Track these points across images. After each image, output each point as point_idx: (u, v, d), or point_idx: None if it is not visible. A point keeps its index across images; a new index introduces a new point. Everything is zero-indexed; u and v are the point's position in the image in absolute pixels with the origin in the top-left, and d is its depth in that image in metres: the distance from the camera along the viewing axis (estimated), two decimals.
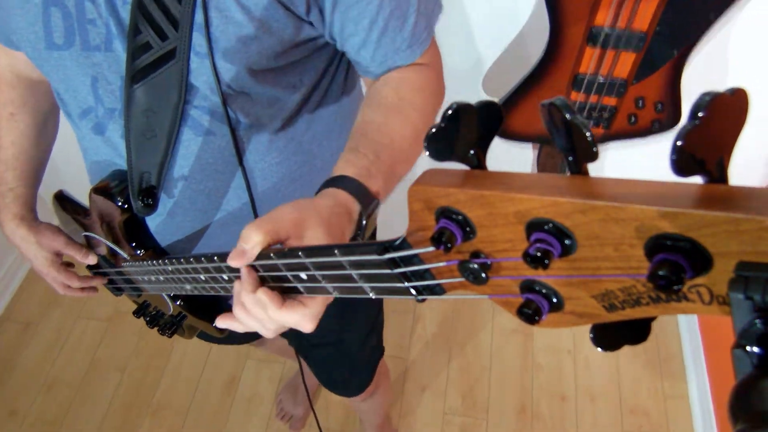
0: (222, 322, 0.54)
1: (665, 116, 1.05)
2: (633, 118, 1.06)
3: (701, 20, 0.91)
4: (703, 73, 1.10)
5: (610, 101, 1.03)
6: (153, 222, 0.75)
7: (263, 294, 0.46)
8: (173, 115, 0.61)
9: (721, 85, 1.14)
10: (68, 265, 0.85)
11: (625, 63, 0.97)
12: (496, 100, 1.13)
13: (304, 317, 0.47)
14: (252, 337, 1.18)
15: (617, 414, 1.63)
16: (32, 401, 1.75)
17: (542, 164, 1.24)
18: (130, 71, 0.59)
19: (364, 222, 0.51)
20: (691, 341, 1.70)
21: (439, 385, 1.71)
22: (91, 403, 1.74)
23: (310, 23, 0.61)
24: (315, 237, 0.47)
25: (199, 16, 0.56)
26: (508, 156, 1.37)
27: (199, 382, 1.76)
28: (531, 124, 1.11)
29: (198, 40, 0.58)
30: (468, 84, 1.23)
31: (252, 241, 0.45)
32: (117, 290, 0.91)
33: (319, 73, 0.69)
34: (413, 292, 0.37)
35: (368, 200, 0.52)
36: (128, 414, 1.71)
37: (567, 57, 0.99)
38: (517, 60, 1.15)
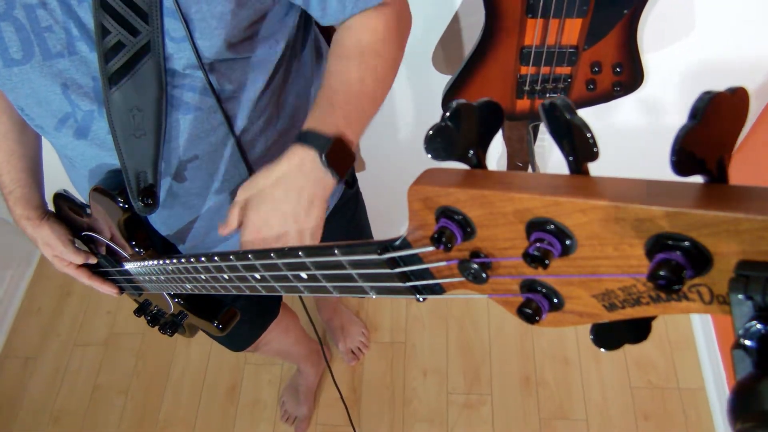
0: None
1: (626, 78, 1.00)
2: (591, 84, 1.00)
3: None
4: (664, 24, 1.06)
5: (564, 70, 0.97)
6: (157, 212, 0.76)
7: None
8: (157, 108, 0.60)
9: (684, 35, 1.10)
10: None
11: (572, 30, 0.91)
12: (447, 77, 1.11)
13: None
14: (244, 345, 1.20)
15: (623, 370, 1.61)
16: None
17: (507, 137, 1.21)
18: (105, 74, 0.58)
19: (324, 158, 0.59)
20: None
21: (440, 366, 1.71)
22: (100, 429, 1.74)
23: None
24: (276, 200, 0.58)
25: (167, 1, 0.55)
26: None
27: (202, 393, 1.77)
28: None
29: (171, 25, 0.57)
30: (420, 62, 1.20)
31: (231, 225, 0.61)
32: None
33: (292, 31, 0.69)
34: (413, 291, 0.37)
35: (323, 142, 0.59)
36: None
37: (508, 31, 0.93)
38: (465, 33, 1.11)
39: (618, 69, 0.98)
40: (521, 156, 1.23)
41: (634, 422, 1.55)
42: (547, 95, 1.03)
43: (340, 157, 0.60)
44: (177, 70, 0.61)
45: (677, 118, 1.30)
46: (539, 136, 1.22)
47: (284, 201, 0.58)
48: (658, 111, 1.30)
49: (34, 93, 0.62)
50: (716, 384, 1.53)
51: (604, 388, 1.60)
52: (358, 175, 1.11)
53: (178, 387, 1.79)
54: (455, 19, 1.11)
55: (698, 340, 1.63)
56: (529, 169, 1.28)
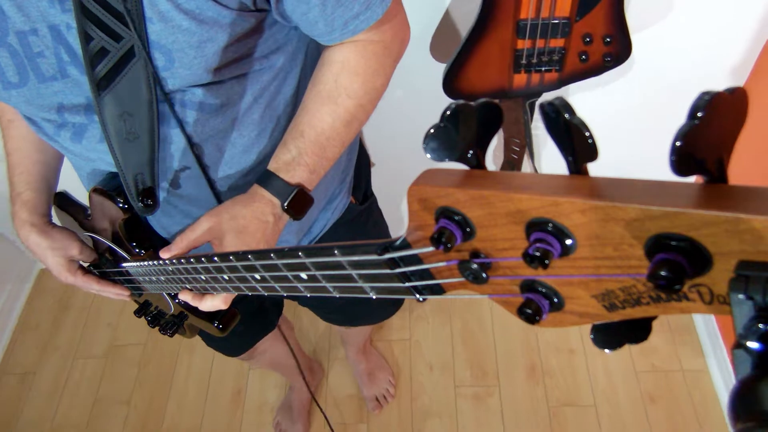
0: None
1: (615, 48, 1.04)
2: (584, 56, 1.05)
3: None
4: (645, 5, 1.11)
5: (558, 43, 1.03)
6: (156, 219, 0.76)
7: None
8: (149, 112, 0.60)
9: (667, 8, 1.10)
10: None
11: (565, 1, 0.97)
12: (444, 64, 1.11)
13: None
14: (239, 351, 1.20)
15: (627, 356, 1.65)
16: None
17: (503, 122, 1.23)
18: (93, 80, 0.58)
19: (285, 206, 0.65)
20: None
21: (446, 361, 1.72)
22: None
23: (260, 10, 0.60)
24: (230, 244, 0.62)
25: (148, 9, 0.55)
26: None
27: (206, 399, 1.75)
28: (482, 81, 1.09)
29: (154, 54, 0.57)
30: (418, 52, 1.21)
31: (178, 247, 0.62)
32: None
33: (295, 42, 0.69)
34: (413, 291, 0.37)
35: (287, 191, 0.65)
36: None
37: (505, 5, 0.97)
38: (462, 19, 1.14)
39: (608, 39, 1.03)
40: (519, 139, 1.25)
41: (642, 405, 1.57)
42: (543, 69, 1.07)
43: (300, 204, 0.65)
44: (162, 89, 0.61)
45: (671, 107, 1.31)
46: (536, 116, 1.23)
47: (242, 246, 0.63)
48: (647, 95, 1.31)
49: (30, 109, 0.64)
50: (719, 365, 1.55)
51: (609, 375, 1.63)
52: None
53: (182, 394, 1.77)
54: (449, 10, 1.12)
55: (698, 324, 1.66)
56: (526, 151, 1.28)
